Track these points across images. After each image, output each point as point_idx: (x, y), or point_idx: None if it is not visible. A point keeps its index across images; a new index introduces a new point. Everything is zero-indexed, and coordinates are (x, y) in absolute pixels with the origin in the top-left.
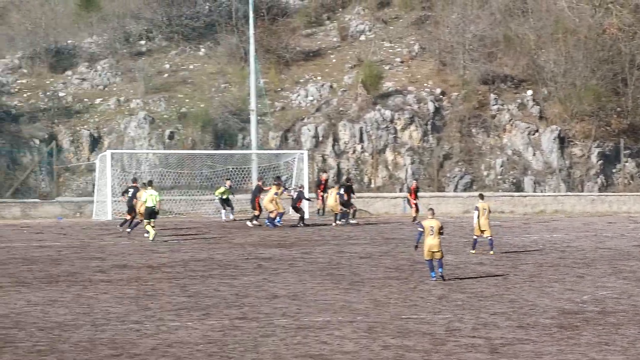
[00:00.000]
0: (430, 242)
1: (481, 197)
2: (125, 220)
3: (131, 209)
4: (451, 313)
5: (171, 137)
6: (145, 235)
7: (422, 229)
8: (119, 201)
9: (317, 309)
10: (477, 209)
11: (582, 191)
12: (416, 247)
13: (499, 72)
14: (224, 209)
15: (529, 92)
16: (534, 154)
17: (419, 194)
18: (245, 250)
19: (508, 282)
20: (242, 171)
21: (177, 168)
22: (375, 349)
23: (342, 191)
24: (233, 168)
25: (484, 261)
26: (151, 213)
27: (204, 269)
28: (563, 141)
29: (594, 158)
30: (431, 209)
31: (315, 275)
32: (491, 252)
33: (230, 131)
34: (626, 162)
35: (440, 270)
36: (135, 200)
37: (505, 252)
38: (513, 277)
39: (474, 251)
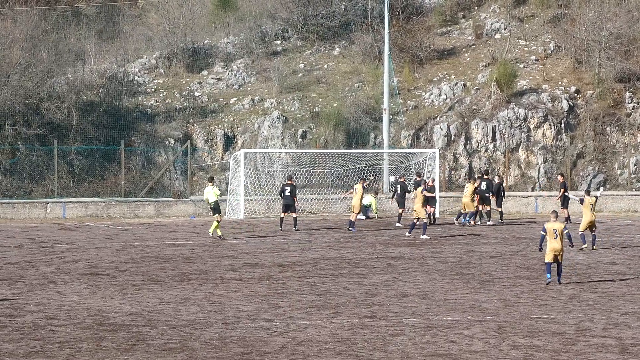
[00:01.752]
0: (554, 245)
1: (587, 192)
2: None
3: (287, 207)
4: (582, 313)
5: (304, 136)
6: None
7: (544, 232)
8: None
9: (446, 308)
10: (582, 201)
11: None
12: (540, 249)
13: (635, 70)
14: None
15: None
16: None
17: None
18: (376, 249)
19: None
20: (374, 170)
21: (309, 167)
22: (504, 349)
23: (483, 186)
24: (365, 167)
25: (615, 260)
26: (215, 208)
27: (334, 268)
28: None
29: None
30: (554, 212)
31: (445, 275)
32: (594, 248)
33: (362, 130)
34: None
35: (559, 278)
36: (294, 198)
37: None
38: None
39: (585, 245)
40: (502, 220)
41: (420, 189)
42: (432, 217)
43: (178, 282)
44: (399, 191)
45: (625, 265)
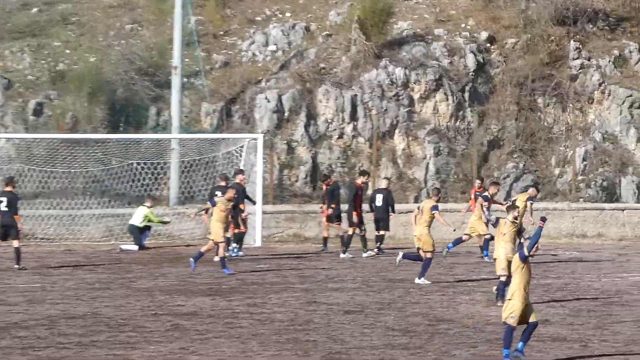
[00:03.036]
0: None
1: (510, 207)
2: None
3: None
4: None
5: (38, 112)
6: None
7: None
8: None
9: None
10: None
11: None
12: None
13: (585, 5)
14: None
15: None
16: None
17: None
18: (154, 300)
19: None
20: (155, 170)
21: (47, 163)
22: None
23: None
24: (140, 163)
25: (551, 318)
26: None
27: (83, 333)
28: None
29: None
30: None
31: (268, 343)
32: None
33: (136, 102)
34: None
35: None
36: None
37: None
38: None
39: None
40: (379, 250)
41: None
42: (234, 241)
43: None
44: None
45: (565, 326)
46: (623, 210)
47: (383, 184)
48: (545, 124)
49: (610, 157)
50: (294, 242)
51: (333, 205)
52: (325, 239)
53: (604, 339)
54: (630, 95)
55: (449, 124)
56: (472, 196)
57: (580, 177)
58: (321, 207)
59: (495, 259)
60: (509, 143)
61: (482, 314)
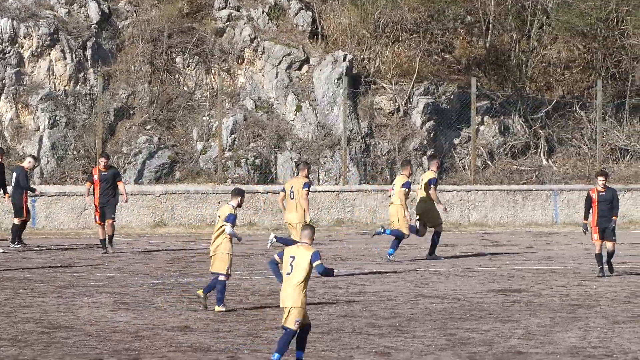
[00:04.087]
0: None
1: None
2: None
3: None
4: None
5: None
6: None
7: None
8: None
9: None
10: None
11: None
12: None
13: None
14: None
15: None
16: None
17: None
18: None
19: None
20: None
21: None
22: None
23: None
24: None
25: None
26: None
27: None
28: (358, 82)
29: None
30: None
31: None
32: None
33: None
34: None
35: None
36: None
37: None
38: None
39: None
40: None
41: None
42: None
43: None
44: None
45: (210, 333)
46: (276, 193)
47: None
48: (186, 88)
49: (264, 130)
50: None
51: None
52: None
53: (256, 348)
54: (289, 54)
55: (67, 88)
56: (96, 177)
57: (228, 154)
58: None
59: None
60: (140, 112)
61: (108, 319)
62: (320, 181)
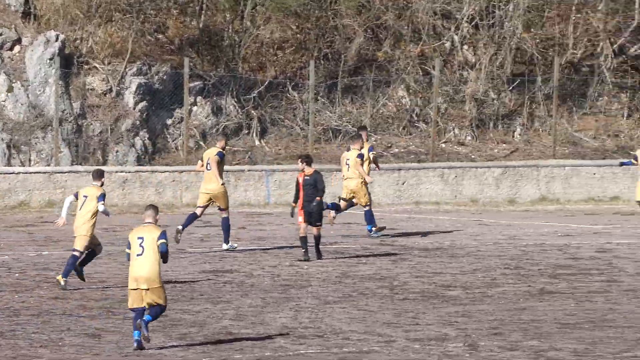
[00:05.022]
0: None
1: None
2: None
3: None
4: None
5: None
6: None
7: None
8: None
9: None
10: None
11: None
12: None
13: None
14: None
15: None
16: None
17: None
18: None
19: None
20: None
21: None
22: None
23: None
24: None
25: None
26: None
27: None
28: (70, 63)
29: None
30: None
31: None
32: None
33: None
34: None
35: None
36: None
37: None
38: None
39: None
40: None
41: None
42: None
43: None
44: None
45: None
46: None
47: None
48: None
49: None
50: None
51: None
52: None
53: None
54: (0, 34)
55: None
56: None
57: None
58: None
59: None
60: None
61: None
62: (32, 162)
